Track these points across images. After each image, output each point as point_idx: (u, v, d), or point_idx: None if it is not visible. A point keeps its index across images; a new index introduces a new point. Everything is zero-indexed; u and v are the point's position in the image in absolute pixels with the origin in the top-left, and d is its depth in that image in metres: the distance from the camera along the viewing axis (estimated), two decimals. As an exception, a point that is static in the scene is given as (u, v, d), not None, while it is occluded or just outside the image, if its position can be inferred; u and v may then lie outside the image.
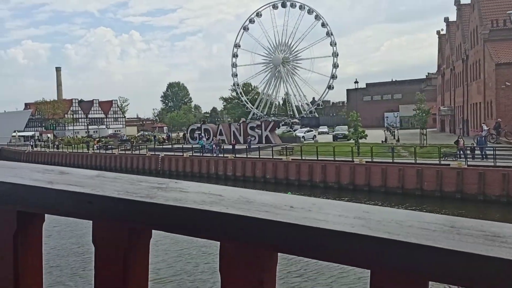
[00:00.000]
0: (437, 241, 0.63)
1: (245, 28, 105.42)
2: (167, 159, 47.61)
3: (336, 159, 35.35)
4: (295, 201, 0.82)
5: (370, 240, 0.66)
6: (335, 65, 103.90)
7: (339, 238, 0.68)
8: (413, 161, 31.20)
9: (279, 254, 0.80)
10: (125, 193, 0.89)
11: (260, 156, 40.84)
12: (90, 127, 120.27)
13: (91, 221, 0.94)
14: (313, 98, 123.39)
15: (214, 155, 44.89)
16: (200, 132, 59.05)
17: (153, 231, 0.92)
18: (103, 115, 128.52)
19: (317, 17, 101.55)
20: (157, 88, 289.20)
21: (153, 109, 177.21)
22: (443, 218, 0.72)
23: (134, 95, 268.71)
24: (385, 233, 0.66)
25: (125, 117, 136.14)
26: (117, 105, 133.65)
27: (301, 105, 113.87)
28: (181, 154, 47.65)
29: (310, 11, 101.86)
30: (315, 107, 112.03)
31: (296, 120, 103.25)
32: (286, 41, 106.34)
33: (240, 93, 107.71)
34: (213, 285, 14.80)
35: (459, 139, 31.34)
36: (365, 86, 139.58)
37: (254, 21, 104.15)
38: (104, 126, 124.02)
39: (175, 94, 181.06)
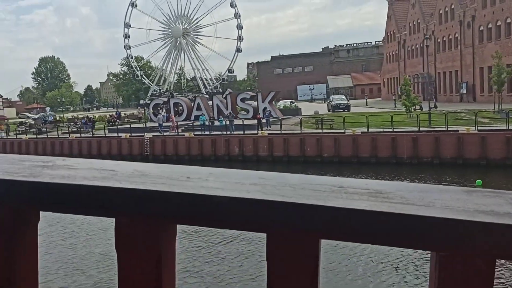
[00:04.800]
0: (326, 200, 0.65)
1: (133, 4, 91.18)
2: (159, 142, 36.67)
3: (420, 129, 29.28)
4: (192, 172, 0.81)
5: (265, 204, 0.67)
6: (240, 27, 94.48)
7: (236, 204, 0.68)
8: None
9: (178, 226, 0.77)
10: (4, 173, 0.81)
11: (303, 131, 32.86)
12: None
13: None
14: (219, 73, 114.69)
15: (228, 132, 35.53)
16: (168, 107, 48.16)
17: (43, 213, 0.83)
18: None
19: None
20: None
21: (22, 86, 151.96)
22: (333, 180, 0.75)
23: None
24: (280, 196, 0.68)
25: (1, 96, 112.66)
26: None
27: (207, 80, 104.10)
28: (176, 134, 37.17)
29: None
30: (225, 75, 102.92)
31: (206, 96, 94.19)
32: (183, 12, 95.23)
33: (142, 75, 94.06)
34: (110, 264, 13.79)
35: None
36: (270, 59, 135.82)
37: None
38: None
39: (50, 70, 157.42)
